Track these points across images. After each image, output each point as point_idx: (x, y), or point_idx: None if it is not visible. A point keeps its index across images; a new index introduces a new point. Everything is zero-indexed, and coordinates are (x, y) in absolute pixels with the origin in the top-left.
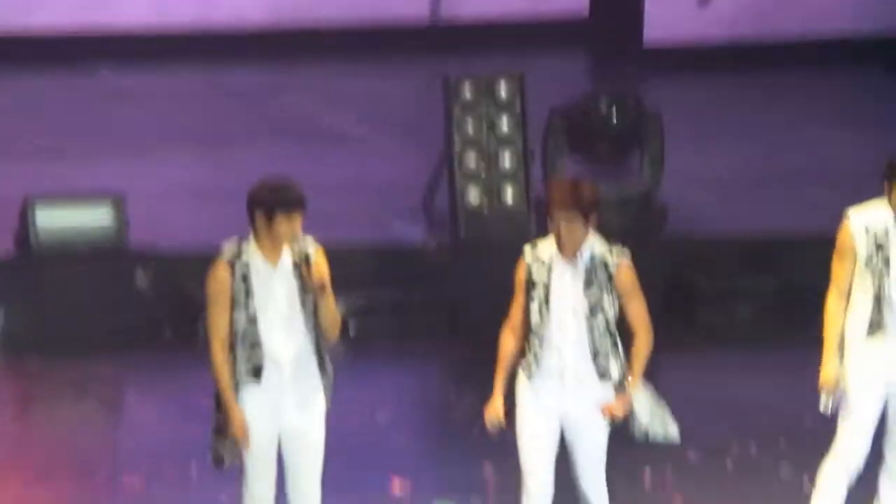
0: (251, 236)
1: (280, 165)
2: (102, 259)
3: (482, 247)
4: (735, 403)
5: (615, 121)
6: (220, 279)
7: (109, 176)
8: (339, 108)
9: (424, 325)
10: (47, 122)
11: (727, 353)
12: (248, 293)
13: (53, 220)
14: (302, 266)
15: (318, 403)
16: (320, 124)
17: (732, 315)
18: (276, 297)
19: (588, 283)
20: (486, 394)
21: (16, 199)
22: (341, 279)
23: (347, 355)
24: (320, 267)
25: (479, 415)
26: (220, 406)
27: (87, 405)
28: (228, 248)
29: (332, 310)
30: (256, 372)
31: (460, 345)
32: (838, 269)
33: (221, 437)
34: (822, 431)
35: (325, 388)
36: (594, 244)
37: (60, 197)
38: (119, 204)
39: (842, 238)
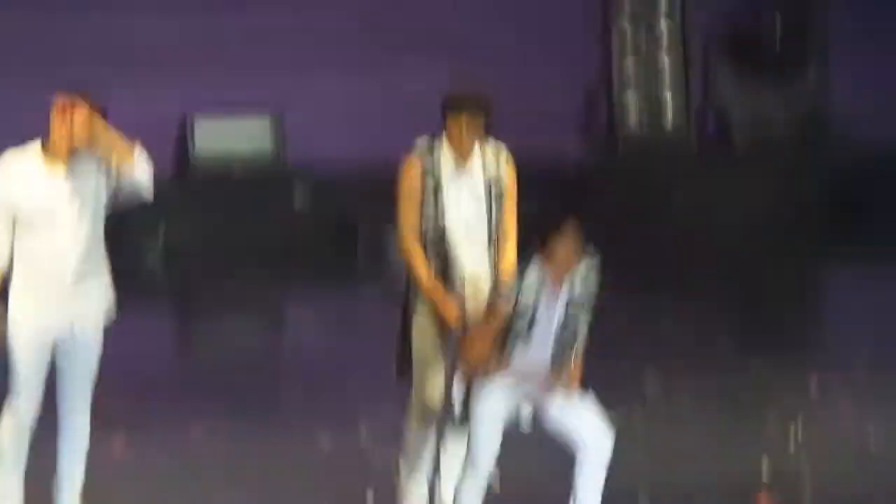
0: (443, 136)
1: (430, 82)
2: (260, 178)
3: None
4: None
5: (779, 28)
6: (411, 175)
7: (268, 93)
8: (492, 20)
9: None
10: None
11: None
12: (436, 190)
13: (213, 138)
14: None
15: None
16: (473, 40)
17: None
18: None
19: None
20: None
21: (175, 115)
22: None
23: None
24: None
25: None
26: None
27: (247, 320)
28: (420, 144)
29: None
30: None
31: None
32: None
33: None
34: None
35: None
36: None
37: (219, 114)
38: (277, 122)
39: None
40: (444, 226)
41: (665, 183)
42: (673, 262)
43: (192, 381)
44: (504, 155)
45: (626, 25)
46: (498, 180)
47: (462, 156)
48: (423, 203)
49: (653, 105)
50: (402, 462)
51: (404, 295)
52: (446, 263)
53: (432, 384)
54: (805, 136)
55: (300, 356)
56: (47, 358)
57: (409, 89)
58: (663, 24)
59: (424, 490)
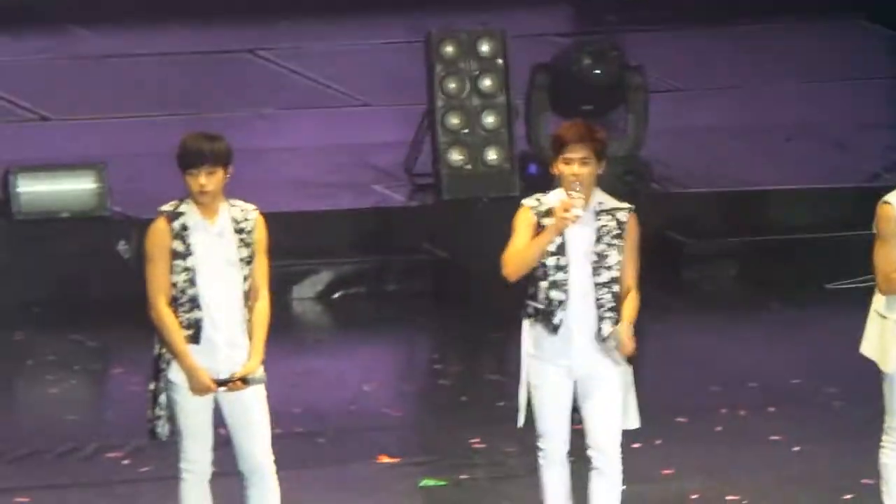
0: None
1: (256, 128)
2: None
3: (466, 206)
4: (722, 366)
5: (598, 73)
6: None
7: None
8: (317, 68)
9: (408, 288)
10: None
11: (713, 313)
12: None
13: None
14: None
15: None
16: (299, 86)
17: (718, 274)
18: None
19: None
20: (472, 359)
21: None
22: (323, 244)
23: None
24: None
25: (467, 383)
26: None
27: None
28: (168, 206)
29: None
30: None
31: (445, 307)
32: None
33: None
34: (809, 394)
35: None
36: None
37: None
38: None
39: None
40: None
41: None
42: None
43: None
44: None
45: (451, 84)
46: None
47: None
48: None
49: (476, 160)
50: None
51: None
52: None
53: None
54: (623, 183)
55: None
56: None
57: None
58: (487, 76)
59: None
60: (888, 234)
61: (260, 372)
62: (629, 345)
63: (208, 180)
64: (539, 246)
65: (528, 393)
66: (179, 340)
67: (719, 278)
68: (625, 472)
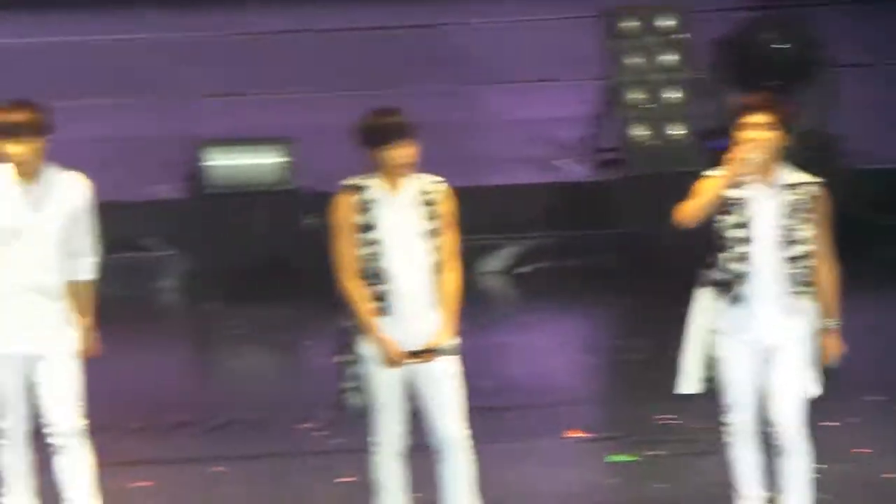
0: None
1: (442, 104)
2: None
3: (650, 180)
4: None
5: (782, 48)
6: (342, 208)
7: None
8: (501, 44)
9: (594, 263)
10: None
11: None
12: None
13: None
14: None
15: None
16: (483, 62)
17: None
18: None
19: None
20: (659, 334)
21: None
22: (510, 219)
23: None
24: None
25: (654, 358)
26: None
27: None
28: (352, 180)
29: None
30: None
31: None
32: None
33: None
34: None
35: None
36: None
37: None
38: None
39: None
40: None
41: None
42: None
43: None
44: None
45: (634, 59)
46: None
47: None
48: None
49: (659, 135)
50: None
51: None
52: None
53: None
54: (809, 160)
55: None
56: None
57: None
58: (669, 55)
59: None
60: None
61: (452, 343)
62: (837, 351)
63: (409, 152)
64: (714, 190)
65: (710, 365)
66: (368, 313)
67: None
68: (816, 450)
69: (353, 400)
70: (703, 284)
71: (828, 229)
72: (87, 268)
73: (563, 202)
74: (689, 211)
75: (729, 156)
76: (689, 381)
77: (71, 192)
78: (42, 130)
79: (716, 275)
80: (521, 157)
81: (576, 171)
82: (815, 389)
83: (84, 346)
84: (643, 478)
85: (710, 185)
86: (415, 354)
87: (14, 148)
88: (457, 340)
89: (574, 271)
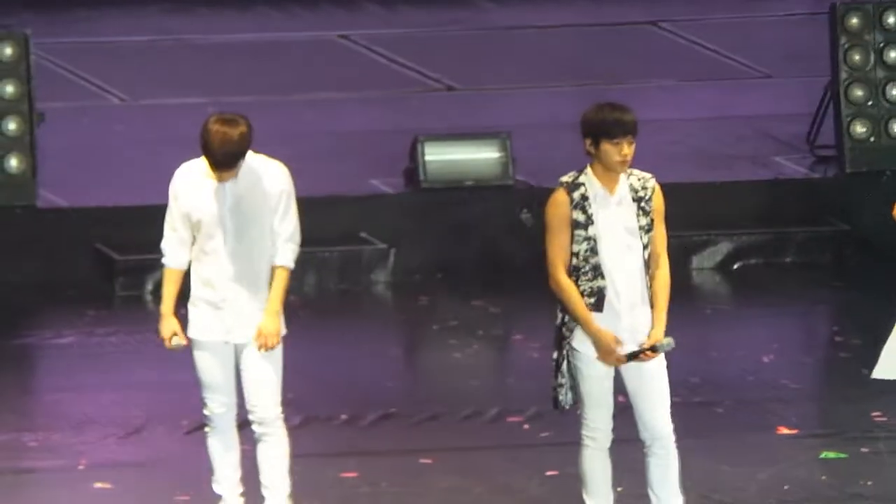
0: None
1: (658, 99)
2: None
3: (870, 178)
4: None
5: None
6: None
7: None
8: (719, 39)
9: (808, 260)
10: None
11: None
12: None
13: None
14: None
15: None
16: (700, 57)
17: None
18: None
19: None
20: (873, 331)
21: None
22: (723, 215)
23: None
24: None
25: (868, 356)
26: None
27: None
28: (567, 177)
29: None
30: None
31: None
32: None
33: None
34: None
35: None
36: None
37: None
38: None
39: None
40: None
41: None
42: None
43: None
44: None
45: (856, 56)
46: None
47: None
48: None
49: (880, 133)
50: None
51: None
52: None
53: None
54: None
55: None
56: None
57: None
58: (893, 53)
59: None
60: None
61: (668, 339)
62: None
63: (630, 150)
64: None
65: None
66: (582, 307)
67: None
68: None
69: (563, 396)
70: None
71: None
72: (285, 255)
73: (779, 199)
74: None
75: None
76: (886, 367)
77: (269, 179)
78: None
79: None
80: (738, 154)
81: (793, 167)
82: None
83: (278, 332)
84: (854, 475)
85: None
86: (633, 356)
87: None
88: (670, 338)
89: (788, 268)
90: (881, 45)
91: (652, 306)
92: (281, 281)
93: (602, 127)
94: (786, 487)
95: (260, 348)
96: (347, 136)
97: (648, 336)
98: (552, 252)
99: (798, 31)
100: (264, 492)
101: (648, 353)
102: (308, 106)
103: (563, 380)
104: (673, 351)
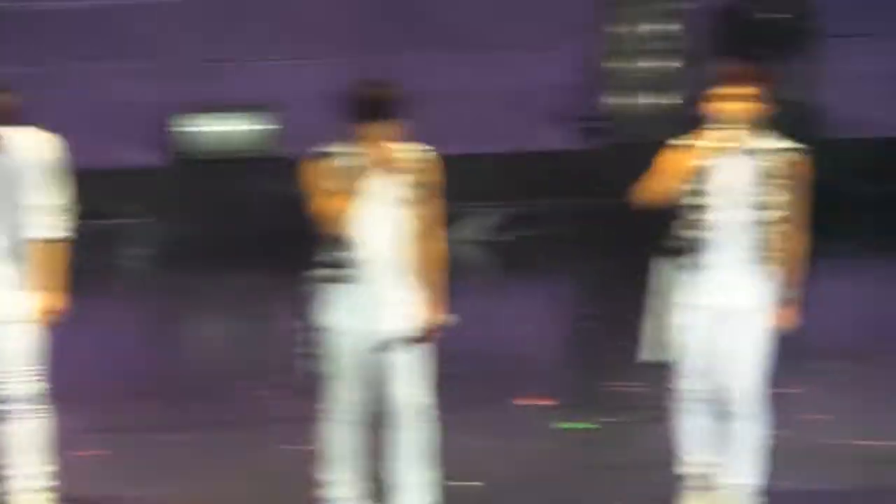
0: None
1: (424, 70)
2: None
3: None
4: (880, 311)
5: (772, 18)
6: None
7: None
8: (484, 12)
9: (575, 232)
10: None
11: (880, 258)
12: None
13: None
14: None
15: None
16: (467, 29)
17: (888, 220)
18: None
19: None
20: (623, 303)
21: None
22: (485, 187)
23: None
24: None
25: (614, 327)
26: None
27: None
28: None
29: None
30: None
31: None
32: None
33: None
34: None
35: None
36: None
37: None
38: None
39: None
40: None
41: None
42: None
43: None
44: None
45: (620, 28)
46: None
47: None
48: None
49: (645, 104)
50: None
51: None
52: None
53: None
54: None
55: None
56: None
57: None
58: (657, 24)
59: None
60: None
61: (452, 317)
62: (791, 321)
63: (391, 128)
64: (681, 175)
65: (663, 329)
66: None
67: (890, 224)
68: (779, 415)
69: (310, 368)
70: (665, 252)
71: (805, 198)
72: (49, 227)
73: (544, 170)
74: (650, 193)
75: (701, 134)
76: (649, 350)
77: (28, 152)
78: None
79: (677, 241)
80: (503, 125)
81: (559, 139)
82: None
83: (46, 308)
84: (596, 445)
85: (678, 165)
86: (418, 340)
87: None
88: (442, 317)
89: (551, 240)
90: (646, 17)
91: (417, 278)
92: (42, 254)
93: (363, 106)
94: (533, 458)
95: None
96: (104, 107)
97: (427, 316)
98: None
99: (562, 3)
100: (13, 470)
101: (431, 335)
102: (67, 76)
103: (310, 351)
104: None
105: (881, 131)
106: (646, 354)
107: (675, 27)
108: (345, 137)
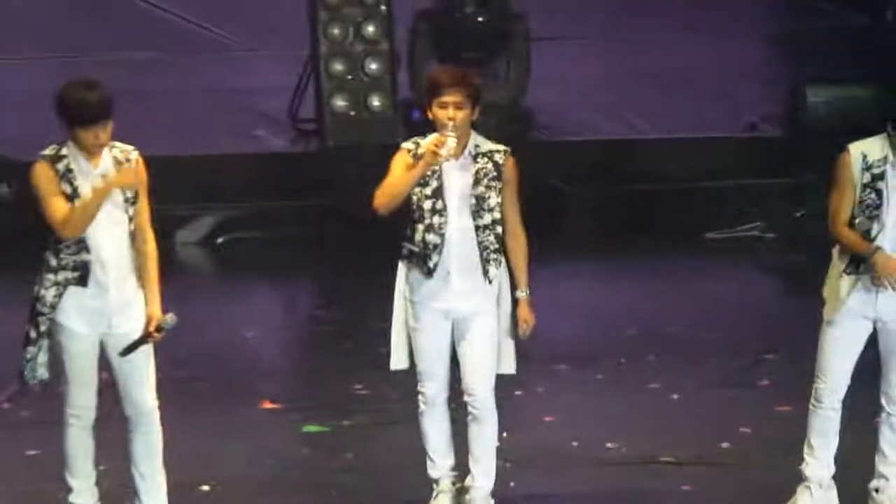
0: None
1: (140, 71)
2: None
3: (350, 152)
4: (602, 314)
5: (480, 21)
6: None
7: None
8: (200, 13)
9: (293, 234)
10: None
11: (592, 261)
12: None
13: None
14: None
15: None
16: (183, 30)
17: (597, 222)
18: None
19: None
20: (356, 306)
21: None
22: (207, 189)
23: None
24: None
25: (350, 329)
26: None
27: None
28: (49, 150)
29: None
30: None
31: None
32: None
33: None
34: (687, 342)
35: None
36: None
37: None
38: None
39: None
40: None
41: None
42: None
43: None
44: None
45: (335, 30)
46: None
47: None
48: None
49: (360, 106)
50: None
51: None
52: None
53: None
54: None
55: None
56: None
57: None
58: (370, 27)
59: None
60: (843, 182)
61: (171, 316)
62: (529, 320)
63: (104, 134)
64: (408, 179)
65: (408, 336)
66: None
67: (599, 226)
68: (506, 418)
69: (34, 370)
70: (402, 256)
71: (518, 199)
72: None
73: (262, 172)
74: (383, 199)
75: (417, 138)
76: (398, 357)
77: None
78: None
79: (411, 246)
80: (220, 127)
81: (275, 141)
82: (510, 368)
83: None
84: (337, 448)
85: (409, 177)
86: (140, 342)
87: None
88: (171, 314)
89: (272, 242)
90: (360, 19)
91: (139, 279)
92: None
93: (73, 110)
94: (270, 462)
95: None
96: None
97: (149, 316)
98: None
99: (278, 4)
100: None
101: (155, 335)
102: None
103: (37, 353)
104: (175, 327)
105: (590, 134)
106: (395, 363)
107: (386, 30)
108: (64, 139)
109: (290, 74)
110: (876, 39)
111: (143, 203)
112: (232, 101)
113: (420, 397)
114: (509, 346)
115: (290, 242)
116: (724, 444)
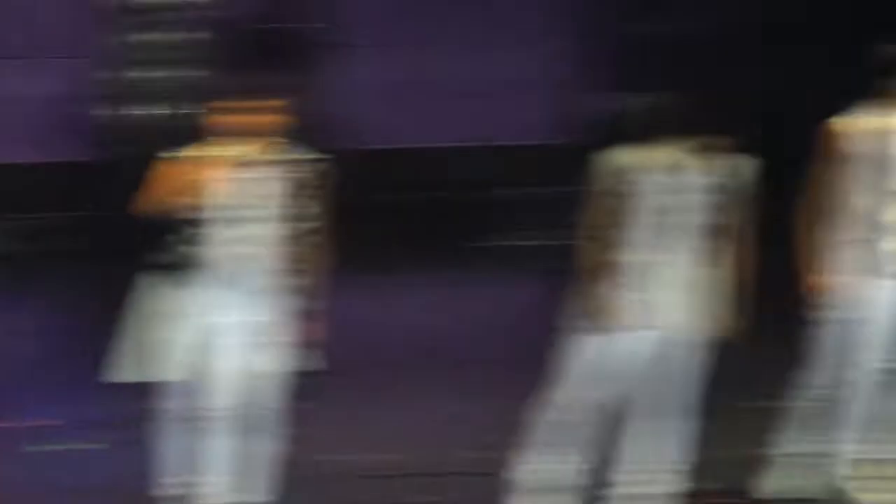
0: None
1: None
2: None
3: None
4: (375, 326)
5: (276, 28)
6: None
7: None
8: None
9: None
10: None
11: (365, 271)
12: None
13: None
14: None
15: None
16: None
17: (374, 231)
18: None
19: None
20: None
21: None
22: None
23: None
24: None
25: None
26: None
27: None
28: None
29: None
30: None
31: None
32: None
33: None
34: (448, 350)
35: None
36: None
37: None
38: None
39: None
40: None
41: None
42: None
43: None
44: None
45: (131, 38)
46: None
47: None
48: None
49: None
50: None
51: None
52: None
53: None
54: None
55: None
56: None
57: None
58: (170, 30)
59: None
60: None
61: None
62: (315, 333)
63: None
64: (182, 188)
65: (150, 349)
66: None
67: (376, 235)
68: (280, 433)
69: None
70: (154, 266)
71: (329, 208)
72: None
73: (45, 183)
74: (149, 204)
75: (210, 146)
76: (126, 369)
77: None
78: None
79: (171, 256)
80: (11, 135)
81: (64, 150)
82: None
83: None
84: (67, 468)
85: (180, 178)
86: None
87: None
88: None
89: (42, 255)
90: (156, 25)
91: None
92: None
93: None
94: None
95: None
96: None
97: None
98: None
99: (68, 9)
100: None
101: None
102: None
103: None
104: None
105: (400, 142)
106: (123, 373)
107: (188, 37)
108: None
109: (82, 83)
110: (675, 51)
111: None
112: (25, 108)
113: (167, 413)
114: (291, 353)
115: (58, 255)
116: (474, 455)
